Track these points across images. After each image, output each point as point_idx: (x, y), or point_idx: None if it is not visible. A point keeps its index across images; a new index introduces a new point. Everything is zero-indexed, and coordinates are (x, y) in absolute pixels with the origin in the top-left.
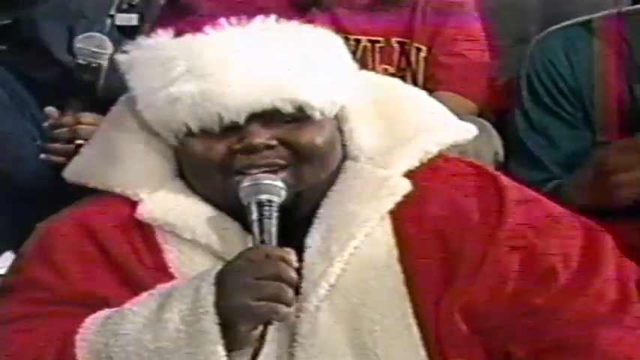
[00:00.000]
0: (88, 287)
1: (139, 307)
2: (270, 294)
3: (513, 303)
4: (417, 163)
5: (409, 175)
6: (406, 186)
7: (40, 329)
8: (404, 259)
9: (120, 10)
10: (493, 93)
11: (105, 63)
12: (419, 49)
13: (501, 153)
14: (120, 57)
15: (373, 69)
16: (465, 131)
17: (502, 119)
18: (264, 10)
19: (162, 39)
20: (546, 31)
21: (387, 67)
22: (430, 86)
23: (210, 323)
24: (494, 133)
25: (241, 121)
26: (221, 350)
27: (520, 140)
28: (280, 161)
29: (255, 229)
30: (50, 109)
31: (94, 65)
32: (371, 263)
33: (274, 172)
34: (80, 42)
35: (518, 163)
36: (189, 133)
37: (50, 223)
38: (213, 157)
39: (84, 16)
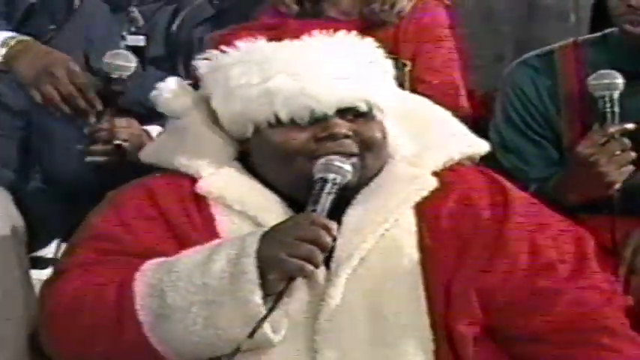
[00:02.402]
0: (150, 243)
1: (194, 252)
2: (302, 254)
3: (521, 285)
4: (441, 166)
5: (434, 174)
6: (433, 183)
7: (104, 271)
8: (422, 244)
9: (130, 33)
10: (471, 103)
11: (129, 74)
12: (404, 64)
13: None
14: (200, 63)
15: None
16: (479, 146)
17: (478, 126)
18: None
19: (258, 43)
20: (515, 63)
21: None
22: None
23: (251, 266)
24: None
25: (331, 113)
26: (258, 289)
27: (495, 159)
28: (353, 149)
29: (312, 200)
30: None
31: (123, 77)
32: (395, 244)
33: (347, 157)
34: (108, 58)
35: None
36: (271, 125)
37: (121, 189)
38: (294, 144)
39: (94, 46)
